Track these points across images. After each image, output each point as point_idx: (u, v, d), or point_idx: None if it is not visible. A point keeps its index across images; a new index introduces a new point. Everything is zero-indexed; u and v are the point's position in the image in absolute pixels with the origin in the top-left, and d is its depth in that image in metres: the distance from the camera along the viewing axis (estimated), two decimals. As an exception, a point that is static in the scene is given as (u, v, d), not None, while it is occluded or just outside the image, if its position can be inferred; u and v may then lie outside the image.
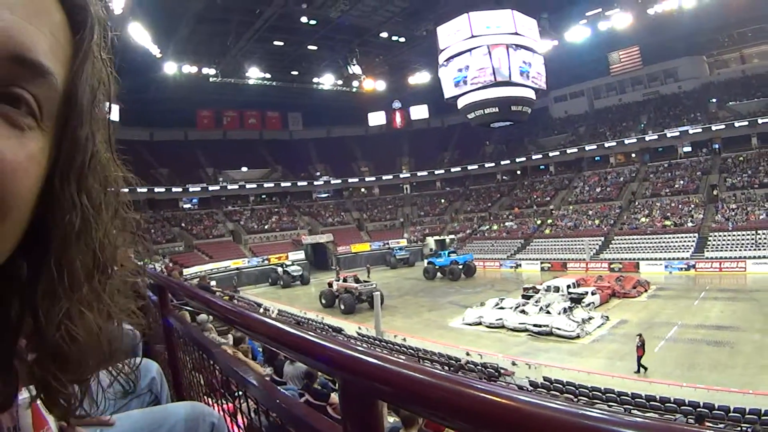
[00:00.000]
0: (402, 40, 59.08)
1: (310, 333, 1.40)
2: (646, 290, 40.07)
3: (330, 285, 45.03)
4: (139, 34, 45.73)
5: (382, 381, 1.02)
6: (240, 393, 2.18)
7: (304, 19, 51.05)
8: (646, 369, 22.98)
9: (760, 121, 55.80)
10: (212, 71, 58.81)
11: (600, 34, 54.53)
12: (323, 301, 44.56)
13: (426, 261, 56.82)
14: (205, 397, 2.78)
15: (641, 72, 69.45)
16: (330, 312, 41.68)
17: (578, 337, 29.26)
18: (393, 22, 53.95)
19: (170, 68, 55.31)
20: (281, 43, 57.79)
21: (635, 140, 65.27)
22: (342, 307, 41.65)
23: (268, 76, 64.08)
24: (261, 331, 1.64)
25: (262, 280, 57.98)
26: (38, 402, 1.24)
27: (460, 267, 52.47)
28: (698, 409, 16.87)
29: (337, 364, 1.18)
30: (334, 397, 8.47)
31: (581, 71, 69.14)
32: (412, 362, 1.01)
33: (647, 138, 64.08)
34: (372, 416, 1.15)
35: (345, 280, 44.21)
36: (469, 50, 44.09)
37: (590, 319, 31.29)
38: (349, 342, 1.49)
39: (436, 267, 53.76)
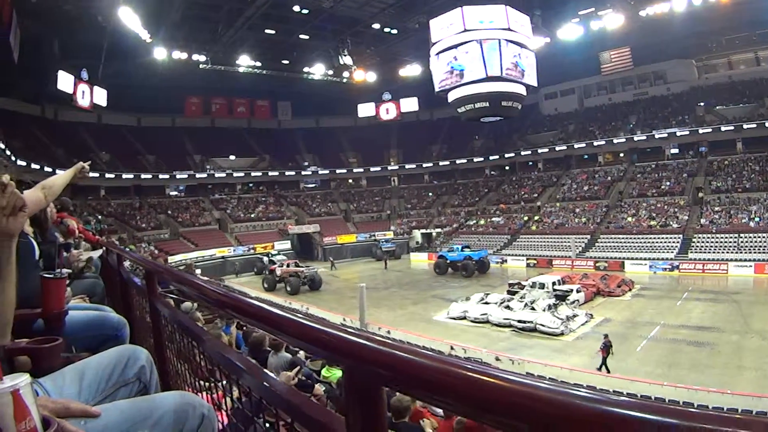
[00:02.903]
0: (394, 32, 58.91)
1: (313, 319, 1.36)
2: (630, 289, 40.24)
3: (272, 271, 49.36)
4: (129, 18, 45.33)
5: (389, 367, 1.03)
6: (229, 382, 2.10)
7: (296, 8, 50.88)
8: (608, 370, 23.06)
9: (745, 126, 56.60)
10: (202, 58, 58.51)
11: (592, 34, 54.56)
12: (265, 285, 48.53)
13: (437, 255, 56.11)
14: (193, 387, 2.71)
15: (631, 73, 69.53)
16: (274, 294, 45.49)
17: (562, 334, 29.40)
18: (386, 14, 53.69)
19: (160, 54, 54.83)
20: (273, 32, 57.44)
21: (624, 140, 65.74)
22: (288, 288, 46.46)
23: (258, 64, 63.83)
24: (259, 318, 1.60)
25: (247, 269, 57.75)
26: (20, 393, 1.16)
27: (474, 263, 51.73)
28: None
29: (343, 351, 1.16)
30: (318, 388, 8.43)
31: (572, 69, 69.09)
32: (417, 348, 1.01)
33: (636, 138, 64.58)
34: (377, 403, 1.15)
35: (289, 266, 49.18)
36: (462, 44, 44.03)
37: (574, 316, 31.41)
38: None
39: (448, 262, 53.16)
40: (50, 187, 3.82)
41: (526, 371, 21.94)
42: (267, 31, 56.89)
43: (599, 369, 23.14)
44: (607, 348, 23.27)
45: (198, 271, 42.83)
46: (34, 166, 47.03)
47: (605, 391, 18.67)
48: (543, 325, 29.85)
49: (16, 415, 1.20)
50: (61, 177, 4.12)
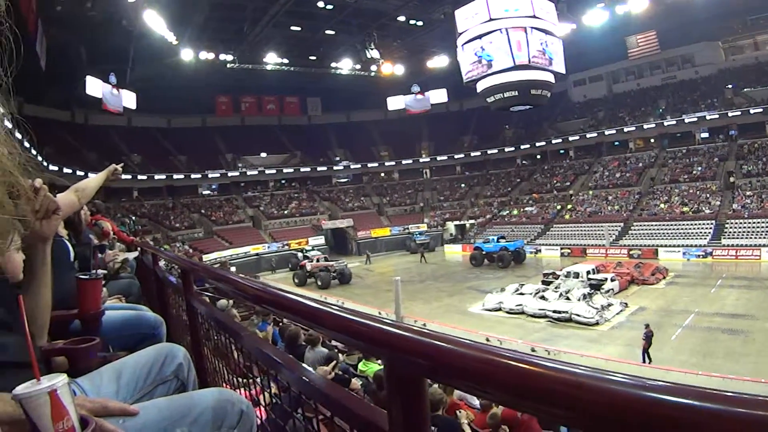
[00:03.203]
0: (420, 23, 58.77)
1: (353, 312, 1.34)
2: (664, 277, 39.78)
3: (302, 266, 49.42)
4: (154, 22, 45.85)
5: (429, 357, 1.03)
6: (267, 378, 2.09)
7: (320, 4, 50.99)
8: (650, 360, 22.80)
9: (774, 108, 55.29)
10: (229, 57, 59.02)
11: (617, 18, 54.04)
12: (296, 281, 48.83)
13: (473, 247, 55.86)
14: (230, 383, 2.71)
15: (659, 57, 68.82)
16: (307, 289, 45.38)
17: (597, 323, 29.14)
18: (410, 6, 53.58)
19: (187, 55, 55.44)
20: (298, 28, 57.72)
21: (654, 125, 64.95)
22: (319, 283, 46.67)
23: (285, 61, 64.17)
24: (298, 312, 1.58)
25: (282, 266, 58.01)
26: (58, 394, 1.15)
27: (510, 253, 51.36)
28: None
29: (383, 343, 1.16)
30: (355, 382, 8.42)
31: (599, 55, 68.48)
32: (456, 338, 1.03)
33: (666, 123, 63.82)
34: (418, 394, 1.14)
35: (319, 261, 49.43)
36: (488, 33, 43.97)
37: (609, 305, 31.14)
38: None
39: (484, 253, 52.85)
40: (83, 189, 3.84)
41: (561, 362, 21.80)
42: (292, 28, 57.16)
43: (643, 361, 22.83)
44: (648, 338, 22.99)
45: (233, 269, 43.57)
46: (66, 170, 47.55)
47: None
48: (578, 315, 29.60)
49: (53, 415, 1.19)
50: (94, 179, 4.14)
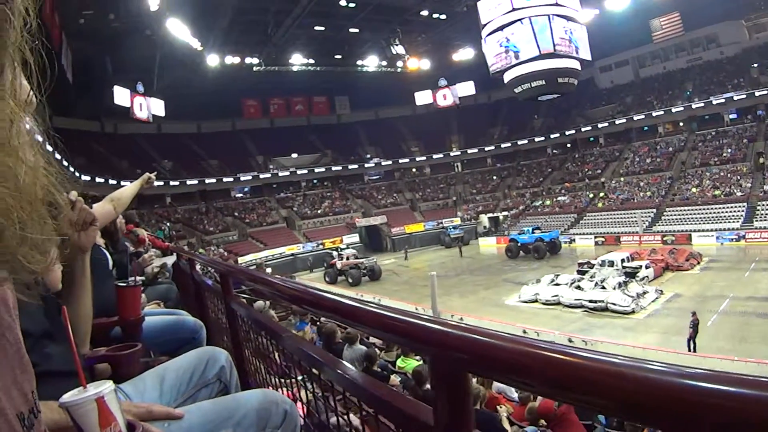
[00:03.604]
0: (443, 17, 58.64)
1: (392, 310, 1.35)
2: (698, 262, 39.34)
3: (333, 265, 50.23)
4: (178, 29, 46.37)
5: (472, 352, 1.04)
6: (309, 377, 2.10)
7: (343, 2, 51.17)
8: (695, 349, 22.48)
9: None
10: (255, 60, 59.45)
11: (640, 1, 53.55)
12: (327, 279, 49.75)
13: (509, 239, 55.71)
14: (272, 383, 2.73)
15: (683, 38, 67.95)
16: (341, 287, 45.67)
17: (633, 312, 28.90)
18: (433, 0, 53.44)
19: (212, 60, 55.98)
20: (322, 28, 58.00)
21: (682, 108, 64.07)
22: (350, 280, 47.68)
23: (311, 61, 64.51)
24: (337, 311, 1.59)
25: (318, 265, 58.11)
26: (105, 400, 1.17)
27: (545, 244, 51.13)
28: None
29: (426, 340, 1.17)
30: (394, 378, 8.44)
31: (624, 40, 67.78)
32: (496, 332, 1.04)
33: (693, 106, 62.98)
34: (462, 389, 1.15)
35: (348, 258, 50.04)
36: (511, 23, 43.91)
37: (645, 293, 30.86)
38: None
39: (519, 244, 52.72)
40: (119, 199, 3.90)
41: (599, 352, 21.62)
42: (316, 28, 57.47)
43: (689, 349, 22.56)
44: (695, 326, 22.72)
45: (268, 270, 43.74)
46: (98, 179, 48.29)
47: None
48: (614, 304, 29.41)
49: (101, 422, 1.21)
50: (129, 188, 4.20)
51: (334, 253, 53.23)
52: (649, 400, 0.71)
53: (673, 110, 64.89)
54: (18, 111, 0.59)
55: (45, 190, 0.71)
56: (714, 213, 49.52)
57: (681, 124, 65.53)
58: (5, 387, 0.73)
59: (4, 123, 0.57)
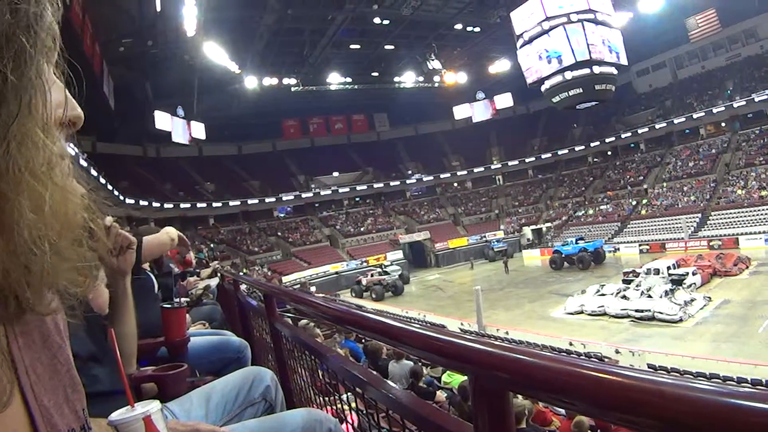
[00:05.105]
0: (477, 29, 58.59)
1: (434, 329, 1.36)
2: (747, 267, 38.41)
3: (359, 282, 52.68)
4: (216, 53, 47.07)
5: (512, 372, 1.04)
6: (354, 396, 2.11)
7: (377, 20, 51.48)
8: None
9: None
10: (293, 81, 59.92)
11: (674, 1, 52.93)
12: (353, 294, 51.42)
13: (553, 250, 54.98)
14: (316, 402, 2.75)
15: (721, 35, 65.99)
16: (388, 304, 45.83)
17: (681, 320, 28.32)
18: (465, 13, 53.54)
19: (251, 82, 56.57)
20: (358, 46, 58.43)
21: (723, 108, 62.23)
22: (373, 296, 49.36)
23: (348, 80, 64.86)
24: (379, 331, 1.59)
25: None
26: (152, 419, 1.19)
27: (590, 254, 50.45)
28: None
29: (467, 359, 1.16)
30: (440, 394, 8.41)
31: (660, 42, 66.84)
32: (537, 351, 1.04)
33: (735, 105, 61.20)
34: (503, 409, 1.15)
35: (373, 276, 52.40)
36: (545, 32, 43.76)
37: (692, 300, 30.20)
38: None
39: (563, 256, 52.12)
40: (176, 235, 3.99)
41: (646, 362, 21.26)
42: (352, 46, 57.93)
43: None
44: None
45: (313, 289, 44.20)
46: (142, 203, 49.54)
47: (729, 380, 17.92)
48: (661, 313, 28.85)
49: (148, 440, 1.22)
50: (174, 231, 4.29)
51: (378, 270, 53.53)
52: (689, 419, 0.70)
53: (714, 110, 63.22)
54: (44, 137, 0.58)
55: (81, 216, 0.72)
56: (762, 215, 48.24)
57: (723, 124, 63.89)
58: (57, 405, 0.77)
59: (36, 151, 0.57)
